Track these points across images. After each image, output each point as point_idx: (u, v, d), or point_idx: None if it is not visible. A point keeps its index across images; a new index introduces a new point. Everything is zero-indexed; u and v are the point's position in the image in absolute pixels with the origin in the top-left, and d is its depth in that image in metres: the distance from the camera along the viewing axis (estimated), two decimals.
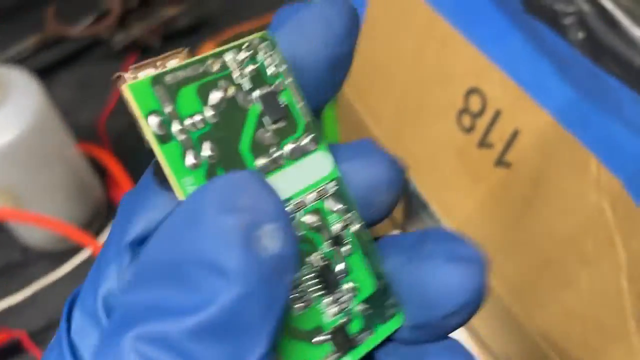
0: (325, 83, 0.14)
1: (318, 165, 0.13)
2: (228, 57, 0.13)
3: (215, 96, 0.12)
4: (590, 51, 0.25)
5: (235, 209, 0.11)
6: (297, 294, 0.13)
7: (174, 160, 0.12)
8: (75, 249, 0.42)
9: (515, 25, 0.28)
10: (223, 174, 0.12)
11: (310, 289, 0.13)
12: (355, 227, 0.14)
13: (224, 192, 0.11)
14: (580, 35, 0.25)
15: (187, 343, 0.11)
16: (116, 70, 0.12)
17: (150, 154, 0.13)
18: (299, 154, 0.13)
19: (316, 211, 0.14)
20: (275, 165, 0.13)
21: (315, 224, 0.13)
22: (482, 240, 0.34)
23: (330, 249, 0.14)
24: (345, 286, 0.13)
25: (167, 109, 0.12)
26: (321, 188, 0.14)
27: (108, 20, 0.56)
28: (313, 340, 0.13)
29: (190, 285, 0.11)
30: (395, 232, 0.45)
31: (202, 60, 0.13)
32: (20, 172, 0.39)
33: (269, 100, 0.13)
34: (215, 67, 0.13)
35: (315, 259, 0.13)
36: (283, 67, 0.13)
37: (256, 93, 0.13)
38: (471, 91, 0.31)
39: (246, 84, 0.13)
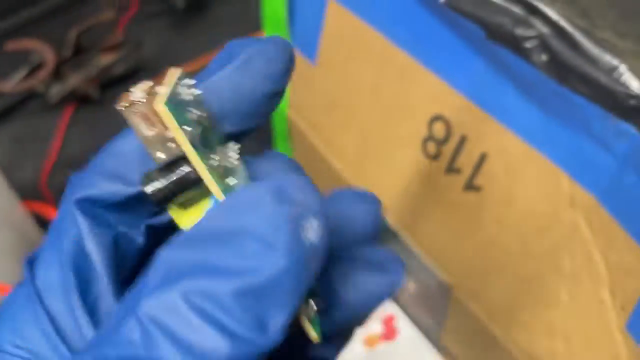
0: (257, 113, 0.16)
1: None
2: (179, 84, 0.15)
3: (190, 114, 0.15)
4: (555, 72, 0.25)
5: (290, 201, 0.13)
6: None
7: (205, 163, 0.14)
8: None
9: (477, 52, 0.29)
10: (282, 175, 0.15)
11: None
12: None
13: (282, 187, 0.13)
14: (544, 57, 0.26)
15: (231, 301, 0.12)
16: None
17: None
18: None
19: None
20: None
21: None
22: (457, 265, 0.34)
23: None
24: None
25: (188, 122, 0.14)
26: None
27: (42, 73, 0.54)
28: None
29: (243, 252, 0.13)
30: None
31: (174, 84, 0.15)
32: None
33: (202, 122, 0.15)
34: (180, 90, 0.15)
35: None
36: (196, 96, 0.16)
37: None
38: (435, 119, 0.32)
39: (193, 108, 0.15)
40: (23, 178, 0.51)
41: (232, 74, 0.16)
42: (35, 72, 0.55)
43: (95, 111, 0.56)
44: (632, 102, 0.23)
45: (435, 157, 0.32)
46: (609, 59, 0.24)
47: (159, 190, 0.15)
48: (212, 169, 0.15)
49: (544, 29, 0.26)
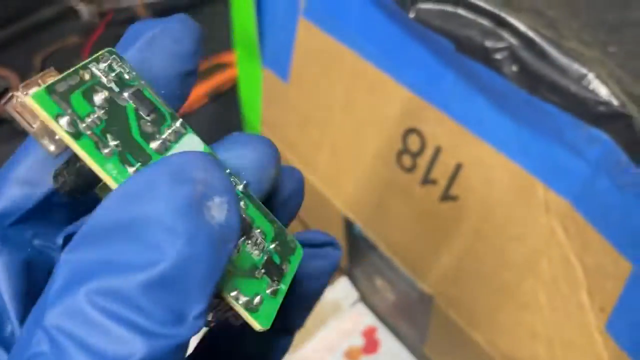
0: (174, 95, 0.16)
1: (193, 144, 0.16)
2: (93, 67, 0.15)
3: (98, 98, 0.14)
4: (526, 82, 0.26)
5: (189, 180, 0.12)
6: None
7: (92, 151, 0.14)
8: None
9: (447, 65, 0.29)
10: (176, 153, 0.13)
11: None
12: (240, 186, 0.16)
13: (180, 166, 0.13)
14: (514, 68, 0.26)
15: (139, 297, 0.12)
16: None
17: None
18: (176, 137, 0.15)
19: None
20: (165, 146, 0.15)
21: None
22: (437, 274, 0.34)
23: None
24: (257, 231, 0.16)
25: (68, 112, 0.14)
26: None
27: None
28: (255, 275, 0.15)
29: (143, 243, 0.12)
30: (343, 278, 0.45)
31: (76, 72, 0.14)
32: None
33: (138, 97, 0.15)
34: (87, 76, 0.15)
35: None
36: (133, 74, 0.16)
37: (126, 93, 0.15)
38: (409, 131, 0.32)
39: (114, 87, 0.15)
40: None
41: (137, 54, 0.16)
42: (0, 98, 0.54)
43: None
44: (602, 108, 0.24)
45: (410, 169, 0.33)
46: (577, 67, 0.24)
47: (65, 183, 0.15)
48: (105, 155, 0.14)
49: (513, 40, 0.26)
